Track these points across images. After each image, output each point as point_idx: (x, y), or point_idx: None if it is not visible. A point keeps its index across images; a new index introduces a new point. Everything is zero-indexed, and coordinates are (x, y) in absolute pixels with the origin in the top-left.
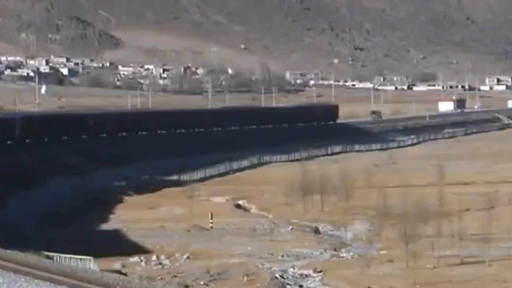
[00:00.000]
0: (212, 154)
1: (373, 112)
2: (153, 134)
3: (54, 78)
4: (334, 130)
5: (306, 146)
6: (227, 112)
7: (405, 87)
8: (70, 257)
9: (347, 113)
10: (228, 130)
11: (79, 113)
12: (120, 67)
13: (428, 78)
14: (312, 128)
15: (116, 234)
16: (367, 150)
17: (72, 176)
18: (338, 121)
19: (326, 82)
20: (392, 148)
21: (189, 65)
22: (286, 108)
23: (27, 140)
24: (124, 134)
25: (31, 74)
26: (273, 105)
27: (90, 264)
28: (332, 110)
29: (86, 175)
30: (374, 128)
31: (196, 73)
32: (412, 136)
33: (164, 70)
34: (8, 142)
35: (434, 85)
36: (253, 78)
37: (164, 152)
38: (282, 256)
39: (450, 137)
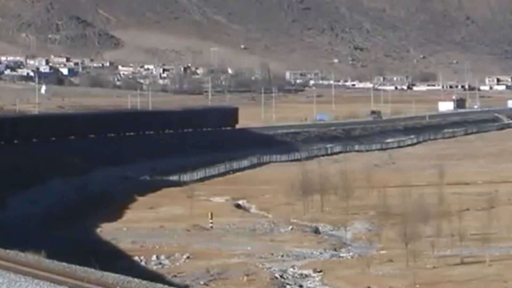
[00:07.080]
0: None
1: (373, 112)
2: (27, 142)
3: (54, 78)
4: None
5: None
6: (102, 116)
7: (405, 87)
8: None
9: (346, 113)
10: (103, 138)
11: None
12: (120, 67)
13: (428, 78)
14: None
15: None
16: (367, 150)
17: None
18: (238, 126)
19: (326, 82)
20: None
21: (189, 65)
22: (173, 112)
23: None
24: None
25: (31, 74)
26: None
27: None
28: (230, 114)
29: None
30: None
31: (196, 73)
32: (412, 136)
33: (164, 70)
34: None
35: (434, 85)
36: (253, 78)
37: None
38: (282, 256)
39: (450, 137)
